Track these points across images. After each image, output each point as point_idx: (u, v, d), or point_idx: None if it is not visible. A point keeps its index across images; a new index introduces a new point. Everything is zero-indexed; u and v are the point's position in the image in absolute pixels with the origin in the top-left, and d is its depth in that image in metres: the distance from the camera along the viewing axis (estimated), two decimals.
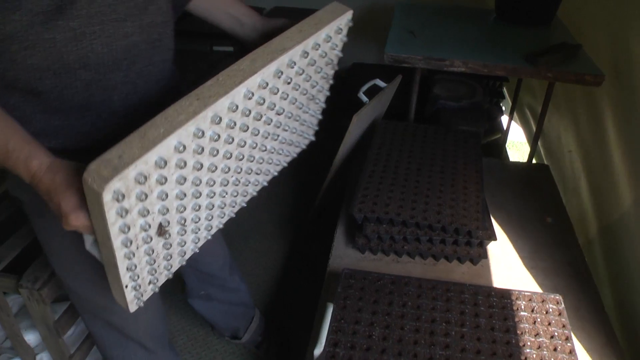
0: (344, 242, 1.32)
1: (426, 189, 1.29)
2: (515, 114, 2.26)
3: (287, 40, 0.83)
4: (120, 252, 0.72)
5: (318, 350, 0.96)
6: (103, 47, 0.86)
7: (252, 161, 0.91)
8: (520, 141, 3.15)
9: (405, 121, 1.70)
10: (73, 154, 0.84)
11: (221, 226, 0.99)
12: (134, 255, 0.75)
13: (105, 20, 0.85)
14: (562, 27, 1.79)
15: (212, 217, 0.91)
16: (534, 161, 1.85)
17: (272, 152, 0.96)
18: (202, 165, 0.77)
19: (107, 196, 0.63)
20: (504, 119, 2.28)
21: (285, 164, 1.07)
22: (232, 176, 0.88)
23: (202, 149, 0.75)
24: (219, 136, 0.76)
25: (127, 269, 0.76)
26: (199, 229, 0.91)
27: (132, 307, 0.84)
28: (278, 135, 0.94)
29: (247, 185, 0.97)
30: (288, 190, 2.49)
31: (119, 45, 0.88)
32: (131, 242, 0.73)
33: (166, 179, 0.71)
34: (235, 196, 0.95)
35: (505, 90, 2.39)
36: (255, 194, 1.03)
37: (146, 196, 0.69)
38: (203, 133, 0.73)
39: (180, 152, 0.70)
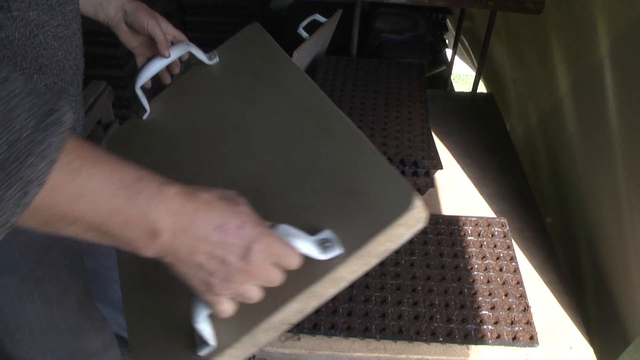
0: None
1: (371, 122, 1.27)
2: (459, 46, 2.25)
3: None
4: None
5: None
6: (55, 40, 0.67)
7: None
8: (466, 73, 3.17)
9: (348, 56, 1.67)
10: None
11: None
12: None
13: (53, 5, 0.66)
14: None
15: None
16: (478, 91, 1.86)
17: None
18: None
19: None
20: (449, 52, 2.27)
21: None
22: None
23: None
24: None
25: None
26: None
27: None
28: None
29: None
30: None
31: (66, 34, 0.70)
32: None
33: None
34: None
35: (448, 22, 2.37)
36: None
37: None
38: None
39: None
